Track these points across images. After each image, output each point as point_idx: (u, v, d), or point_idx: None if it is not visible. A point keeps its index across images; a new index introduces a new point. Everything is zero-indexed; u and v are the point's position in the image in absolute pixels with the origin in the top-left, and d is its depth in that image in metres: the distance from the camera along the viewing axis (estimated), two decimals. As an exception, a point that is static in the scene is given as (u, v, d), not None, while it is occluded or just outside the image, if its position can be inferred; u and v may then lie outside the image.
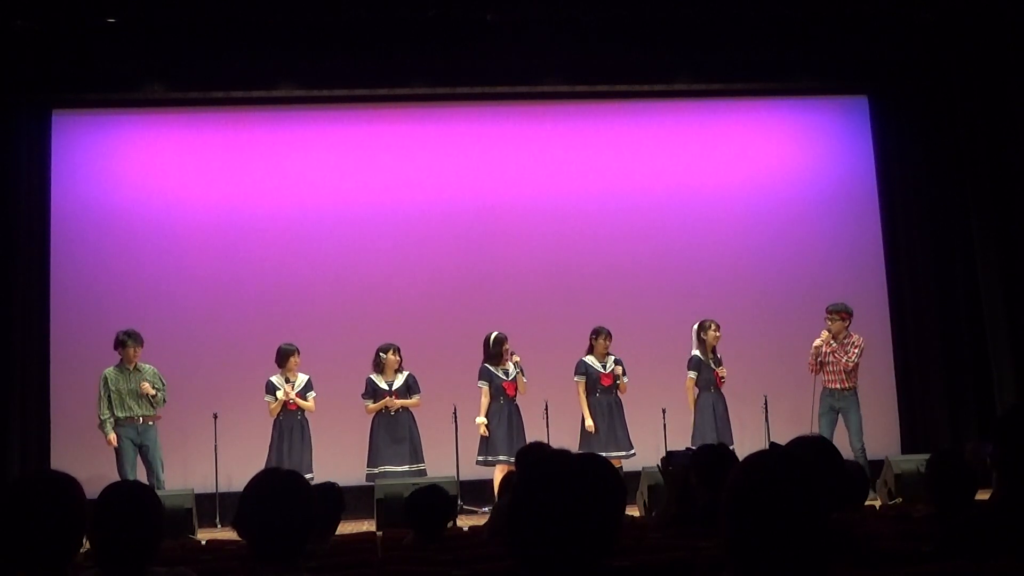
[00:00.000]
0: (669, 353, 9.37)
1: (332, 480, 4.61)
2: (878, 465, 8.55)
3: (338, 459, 8.92)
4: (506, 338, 8.88)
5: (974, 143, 9.61)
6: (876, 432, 9.46)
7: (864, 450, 8.73)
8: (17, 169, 9.58)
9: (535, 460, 1.93)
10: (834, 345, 8.92)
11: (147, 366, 8.61)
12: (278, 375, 8.83)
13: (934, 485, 3.76)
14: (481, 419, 8.78)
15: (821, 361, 8.96)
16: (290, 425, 8.76)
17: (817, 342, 8.97)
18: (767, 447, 2.01)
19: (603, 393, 8.93)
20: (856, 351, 8.92)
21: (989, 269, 9.49)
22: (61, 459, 9.16)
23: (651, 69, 9.85)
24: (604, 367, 8.95)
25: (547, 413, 8.99)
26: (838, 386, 8.92)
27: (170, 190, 9.97)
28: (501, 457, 8.69)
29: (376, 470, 8.66)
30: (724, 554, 1.83)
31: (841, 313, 8.96)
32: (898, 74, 10.15)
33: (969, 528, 2.63)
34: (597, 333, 9.00)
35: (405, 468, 8.62)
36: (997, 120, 9.42)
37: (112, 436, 8.40)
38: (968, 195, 9.72)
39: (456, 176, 10.22)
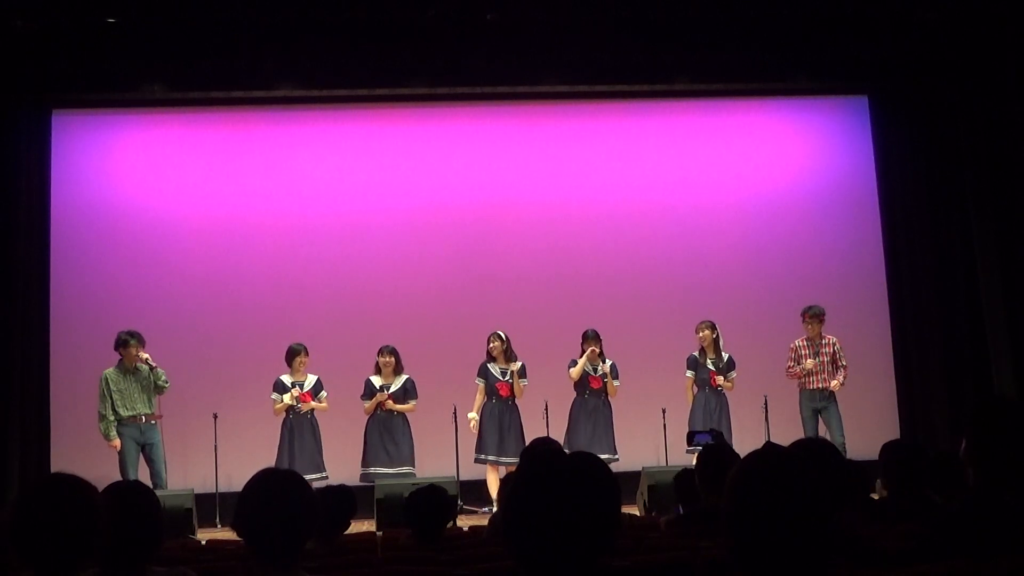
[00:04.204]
0: (669, 353, 9.38)
1: (331, 480, 4.62)
2: (872, 464, 8.54)
3: (340, 459, 8.92)
4: (494, 336, 8.89)
5: (974, 143, 9.61)
6: (876, 431, 9.40)
7: (845, 445, 8.75)
8: (17, 169, 9.56)
9: (535, 458, 1.93)
10: (816, 351, 9.04)
11: (144, 365, 8.59)
12: (288, 374, 8.84)
13: (887, 472, 3.95)
14: (472, 415, 8.84)
15: (799, 363, 9.07)
16: (300, 424, 8.77)
17: (794, 344, 9.17)
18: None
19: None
20: (841, 351, 9.10)
21: (989, 269, 9.49)
22: (61, 459, 9.15)
23: (651, 69, 9.86)
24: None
25: (547, 413, 9.00)
26: (820, 386, 9.03)
27: (170, 190, 9.97)
28: (489, 457, 8.74)
29: (370, 470, 8.68)
30: (728, 555, 1.83)
31: (820, 316, 9.15)
32: (898, 74, 10.15)
33: (950, 522, 2.65)
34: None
35: (395, 470, 8.63)
36: (997, 120, 9.41)
37: (116, 442, 8.38)
38: (968, 195, 9.72)
39: (456, 176, 10.22)
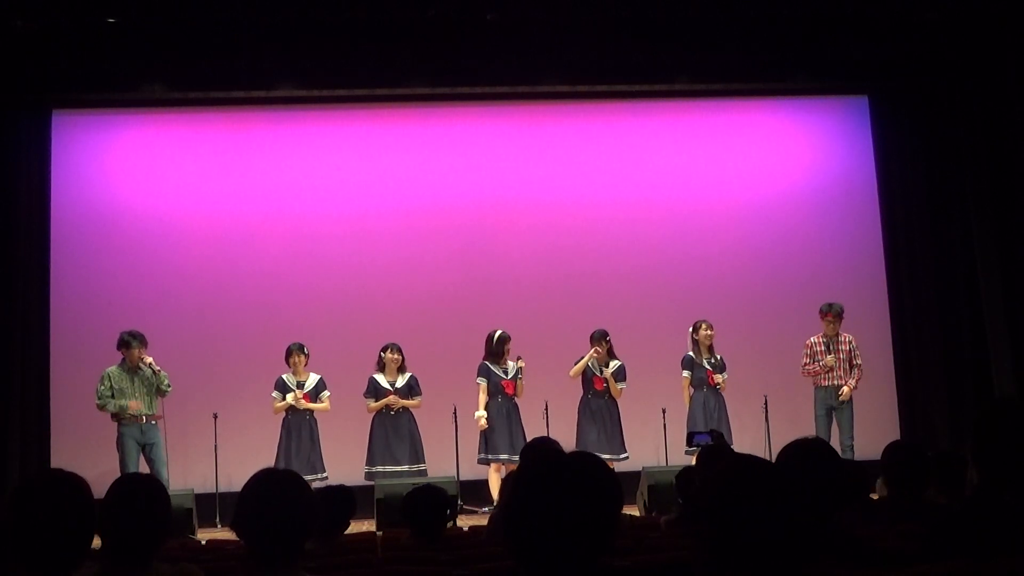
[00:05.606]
0: (669, 353, 9.37)
1: (332, 479, 4.63)
2: (872, 464, 8.53)
3: (340, 458, 8.93)
4: (509, 338, 8.92)
5: (974, 143, 9.62)
6: (876, 431, 9.44)
7: (853, 447, 8.74)
8: (17, 169, 9.57)
9: (536, 458, 1.93)
10: (834, 347, 9.01)
11: (147, 368, 8.58)
12: (288, 373, 8.84)
13: (887, 473, 3.96)
14: (480, 412, 8.80)
15: (817, 360, 9.02)
16: (298, 425, 8.77)
17: (811, 340, 9.11)
18: (765, 447, 2.07)
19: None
20: (856, 349, 9.03)
21: (989, 269, 9.49)
22: (61, 459, 9.15)
23: (651, 69, 9.85)
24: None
25: (547, 413, 9.00)
26: (835, 383, 9.00)
27: (170, 190, 9.97)
28: (502, 456, 8.72)
29: (375, 469, 8.67)
30: (708, 553, 1.90)
31: (841, 314, 9.10)
32: (898, 74, 10.14)
33: (950, 522, 2.65)
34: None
35: (405, 468, 8.63)
36: (997, 120, 9.42)
37: (122, 403, 8.34)
38: (968, 194, 9.72)
39: (456, 176, 10.22)
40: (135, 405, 8.35)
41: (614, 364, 9.00)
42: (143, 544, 2.64)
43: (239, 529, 2.51)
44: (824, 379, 9.02)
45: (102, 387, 8.42)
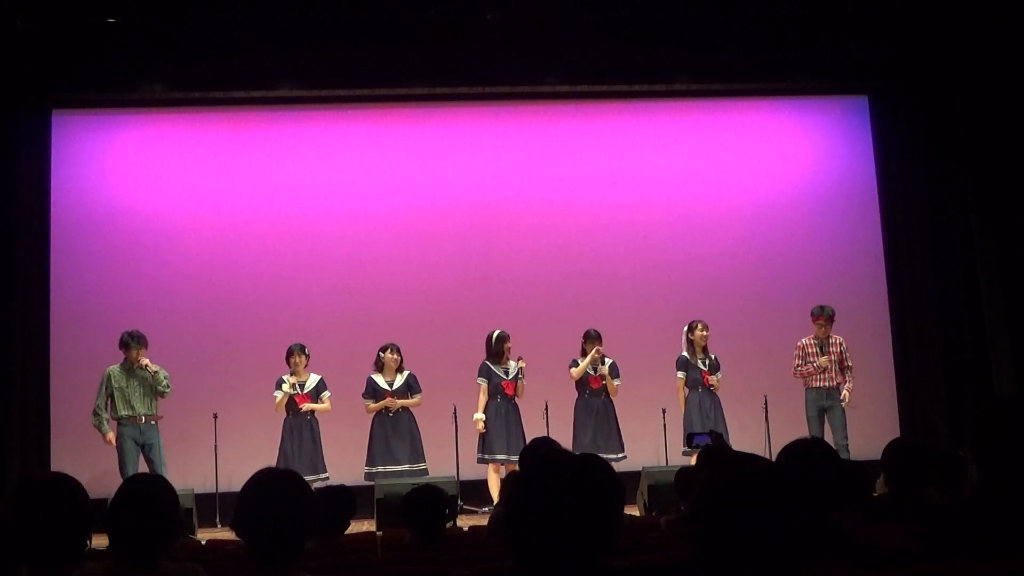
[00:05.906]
0: (669, 353, 9.36)
1: (333, 480, 4.62)
2: (872, 464, 8.53)
3: (340, 458, 8.93)
4: (508, 337, 8.92)
5: (974, 143, 9.62)
6: (875, 431, 9.46)
7: (848, 447, 8.74)
8: (17, 169, 9.58)
9: (537, 458, 1.94)
10: (826, 349, 9.03)
11: (145, 371, 8.58)
12: (289, 374, 8.84)
13: (888, 471, 3.99)
14: (479, 415, 8.81)
15: (809, 362, 9.02)
16: (299, 426, 8.76)
17: (802, 342, 9.11)
18: (765, 447, 2.07)
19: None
20: (847, 352, 9.07)
21: (989, 269, 9.50)
22: (61, 459, 9.17)
23: (651, 69, 9.86)
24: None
25: (547, 413, 9.00)
26: (826, 384, 8.98)
27: (170, 190, 9.97)
28: (499, 456, 8.72)
29: (376, 469, 8.67)
30: (707, 554, 1.91)
31: (833, 317, 9.10)
32: (898, 74, 10.15)
33: (950, 522, 2.66)
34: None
35: (405, 467, 8.64)
36: (997, 120, 9.42)
37: (110, 435, 8.39)
38: (968, 194, 9.73)
39: (456, 176, 10.22)
40: (111, 438, 8.39)
41: (607, 362, 9.00)
42: (150, 544, 2.66)
43: (239, 529, 2.51)
44: (816, 380, 9.03)
45: (99, 400, 8.46)
